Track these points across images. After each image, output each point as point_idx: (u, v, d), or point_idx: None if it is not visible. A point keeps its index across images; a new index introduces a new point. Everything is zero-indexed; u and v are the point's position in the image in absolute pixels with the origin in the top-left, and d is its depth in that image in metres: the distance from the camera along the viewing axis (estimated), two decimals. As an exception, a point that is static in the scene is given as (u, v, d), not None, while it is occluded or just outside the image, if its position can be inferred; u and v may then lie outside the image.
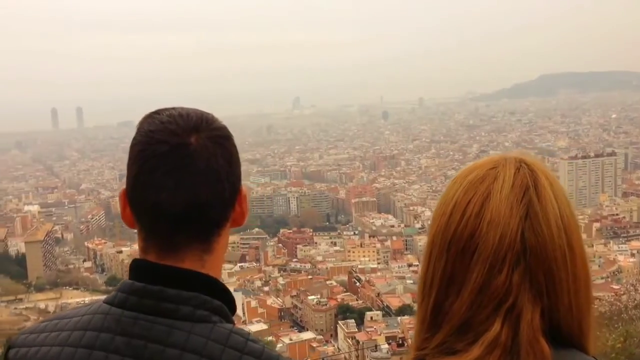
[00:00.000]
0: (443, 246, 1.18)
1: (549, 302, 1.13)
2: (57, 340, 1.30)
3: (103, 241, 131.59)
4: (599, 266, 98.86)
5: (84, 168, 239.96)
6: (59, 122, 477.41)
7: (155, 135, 1.30)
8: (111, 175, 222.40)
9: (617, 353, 12.46)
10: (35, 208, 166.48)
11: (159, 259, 1.30)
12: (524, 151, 1.26)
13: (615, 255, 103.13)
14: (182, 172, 1.27)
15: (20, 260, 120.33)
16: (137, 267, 1.32)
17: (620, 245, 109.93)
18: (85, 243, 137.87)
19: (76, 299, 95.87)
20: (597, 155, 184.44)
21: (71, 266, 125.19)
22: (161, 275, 1.28)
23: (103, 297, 1.34)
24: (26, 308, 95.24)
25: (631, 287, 17.65)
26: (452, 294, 1.16)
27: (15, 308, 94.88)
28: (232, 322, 1.32)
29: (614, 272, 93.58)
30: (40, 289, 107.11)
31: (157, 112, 1.37)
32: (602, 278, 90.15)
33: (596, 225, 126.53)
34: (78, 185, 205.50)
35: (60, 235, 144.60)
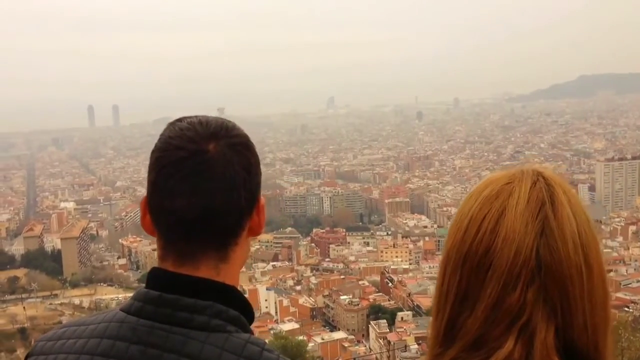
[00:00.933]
0: (458, 261, 1.18)
1: (564, 320, 1.11)
2: (74, 348, 1.32)
3: (138, 239, 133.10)
4: (634, 269, 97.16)
5: (120, 166, 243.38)
6: (95, 119, 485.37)
7: (173, 141, 1.31)
8: (147, 173, 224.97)
9: (650, 359, 12.27)
10: (71, 205, 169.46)
11: (176, 267, 1.31)
12: (542, 164, 1.27)
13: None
14: (198, 178, 1.28)
15: (56, 256, 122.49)
16: (154, 276, 1.33)
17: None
18: (120, 240, 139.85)
19: (110, 295, 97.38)
20: (634, 158, 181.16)
21: (106, 263, 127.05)
22: (178, 284, 1.29)
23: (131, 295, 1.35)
24: (61, 304, 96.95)
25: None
26: (466, 310, 1.15)
27: (51, 303, 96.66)
28: (250, 331, 1.32)
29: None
30: (75, 285, 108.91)
31: (179, 120, 1.38)
32: (637, 281, 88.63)
33: (632, 228, 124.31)
34: (113, 183, 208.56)
35: (95, 232, 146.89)
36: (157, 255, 1.36)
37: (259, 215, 1.37)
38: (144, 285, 1.35)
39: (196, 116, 1.38)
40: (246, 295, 1.40)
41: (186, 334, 1.24)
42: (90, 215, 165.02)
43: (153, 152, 1.35)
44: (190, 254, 1.30)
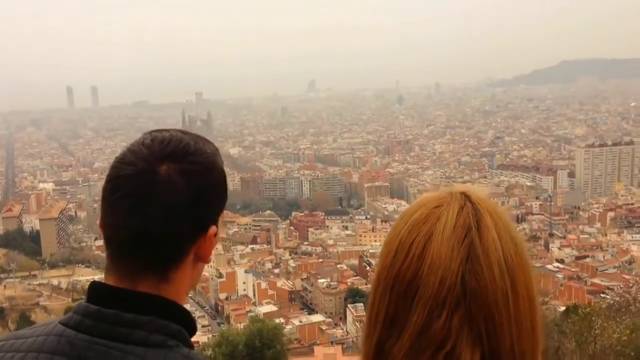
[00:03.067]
0: (387, 285, 1.16)
1: (490, 346, 1.10)
2: None
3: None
4: (611, 255, 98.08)
5: (98, 147, 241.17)
6: (74, 100, 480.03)
7: (129, 155, 1.29)
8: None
9: (622, 346, 12.11)
10: (49, 186, 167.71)
11: (117, 283, 1.28)
12: (470, 186, 1.25)
13: (629, 245, 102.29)
14: (139, 199, 1.24)
15: (35, 237, 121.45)
16: (94, 290, 1.30)
17: (634, 235, 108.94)
18: (98, 222, 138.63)
19: (88, 276, 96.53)
20: (614, 144, 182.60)
21: (84, 244, 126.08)
22: (118, 299, 1.26)
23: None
24: (40, 284, 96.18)
25: (640, 279, 17.17)
26: (394, 336, 1.14)
27: (29, 284, 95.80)
28: (191, 346, 1.30)
29: (626, 262, 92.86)
30: (53, 265, 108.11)
31: (150, 132, 1.35)
32: (614, 267, 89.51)
33: (610, 214, 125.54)
34: (92, 164, 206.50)
35: (74, 213, 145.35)
36: (105, 268, 1.34)
37: (206, 244, 1.33)
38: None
39: (168, 130, 1.35)
40: (187, 307, 1.37)
41: (124, 350, 1.21)
42: (69, 196, 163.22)
43: (114, 159, 1.33)
44: (129, 271, 1.28)
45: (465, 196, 1.20)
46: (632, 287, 16.82)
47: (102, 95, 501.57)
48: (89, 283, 1.33)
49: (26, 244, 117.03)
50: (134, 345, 1.22)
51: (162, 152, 1.27)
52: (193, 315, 1.34)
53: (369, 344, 1.19)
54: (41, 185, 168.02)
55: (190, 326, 1.32)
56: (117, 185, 1.27)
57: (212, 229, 1.32)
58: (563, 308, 22.51)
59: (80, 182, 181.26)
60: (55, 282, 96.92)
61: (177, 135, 1.33)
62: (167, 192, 1.24)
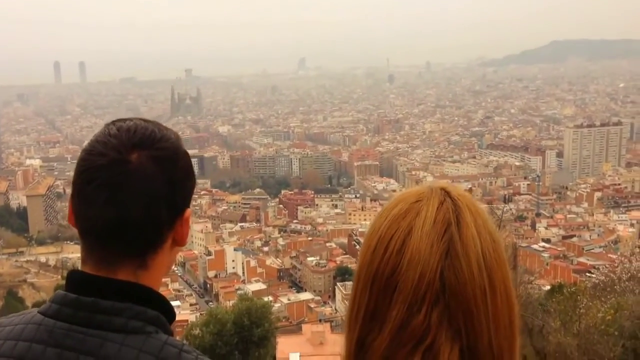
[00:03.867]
0: (367, 281, 1.17)
1: (468, 341, 1.12)
2: None
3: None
4: (598, 235, 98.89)
5: (87, 124, 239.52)
6: (61, 76, 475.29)
7: (97, 147, 1.30)
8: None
9: (607, 325, 12.23)
10: (37, 162, 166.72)
11: (95, 271, 1.30)
12: (449, 183, 1.25)
13: (615, 225, 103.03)
14: (114, 189, 1.26)
15: (22, 213, 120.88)
16: (72, 278, 1.32)
17: (620, 215, 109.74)
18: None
19: (77, 254, 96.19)
20: (602, 125, 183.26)
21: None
22: (95, 287, 1.27)
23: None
24: (27, 261, 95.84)
25: (626, 260, 17.33)
26: (374, 330, 1.15)
27: (17, 261, 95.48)
28: (170, 332, 1.32)
29: (612, 242, 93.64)
30: (41, 242, 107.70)
31: (113, 122, 1.36)
32: (600, 247, 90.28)
33: (598, 194, 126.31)
34: (80, 141, 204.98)
35: (61, 191, 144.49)
36: (80, 257, 1.36)
37: (182, 227, 1.36)
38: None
39: (131, 120, 1.36)
40: (166, 296, 1.38)
41: (103, 337, 1.23)
42: (56, 173, 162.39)
43: (81, 151, 1.34)
44: (107, 260, 1.30)
45: (445, 192, 1.20)
46: (617, 266, 16.95)
47: (90, 71, 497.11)
48: (67, 273, 1.34)
49: (13, 220, 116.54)
50: (112, 332, 1.24)
51: (131, 141, 1.29)
52: (170, 301, 1.36)
53: (350, 339, 1.21)
54: (28, 162, 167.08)
55: (168, 312, 1.34)
56: (89, 176, 1.28)
57: (188, 211, 1.35)
58: (548, 287, 22.69)
59: (68, 159, 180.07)
60: (43, 259, 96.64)
61: (141, 123, 1.35)
62: (141, 179, 1.26)
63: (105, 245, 1.29)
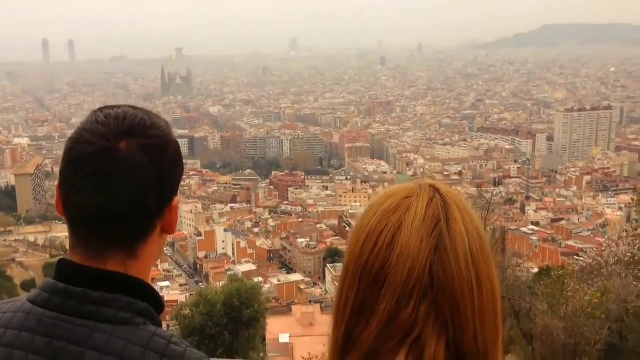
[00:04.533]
0: (355, 274, 1.18)
1: (455, 334, 1.14)
2: None
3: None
4: (586, 218, 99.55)
5: (75, 102, 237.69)
6: (50, 54, 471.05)
7: (85, 135, 1.28)
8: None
9: (593, 308, 12.35)
10: (25, 141, 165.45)
11: (83, 261, 1.30)
12: (437, 180, 1.27)
13: (603, 209, 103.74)
14: (103, 177, 1.25)
15: (10, 192, 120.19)
16: (62, 267, 1.31)
17: (608, 199, 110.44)
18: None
19: (65, 233, 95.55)
20: (593, 109, 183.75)
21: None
22: (85, 277, 1.27)
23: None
24: (16, 240, 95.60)
25: (613, 244, 17.45)
26: (362, 323, 1.17)
27: (5, 240, 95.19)
28: (159, 323, 1.32)
29: (600, 225, 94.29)
30: (30, 221, 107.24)
31: (101, 110, 1.34)
32: (588, 230, 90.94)
33: (587, 178, 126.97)
34: (69, 120, 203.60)
35: (50, 170, 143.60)
36: (69, 246, 1.35)
37: (171, 216, 1.35)
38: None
39: (119, 107, 1.34)
40: (155, 287, 1.38)
41: (92, 327, 1.23)
42: (45, 152, 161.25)
43: (68, 140, 1.32)
44: (96, 249, 1.29)
45: (434, 188, 1.22)
46: (604, 250, 17.07)
47: (79, 49, 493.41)
48: (57, 261, 1.32)
49: (1, 199, 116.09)
50: (101, 322, 1.23)
51: (120, 129, 1.27)
52: (159, 292, 1.36)
53: (337, 331, 1.22)
54: (16, 140, 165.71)
55: (157, 303, 1.33)
56: (78, 165, 1.27)
57: (176, 199, 1.34)
58: (537, 270, 22.87)
59: (56, 137, 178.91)
60: (31, 238, 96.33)
61: (129, 111, 1.33)
62: (130, 168, 1.25)
63: (94, 234, 1.28)
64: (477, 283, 1.15)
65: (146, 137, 1.28)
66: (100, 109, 1.34)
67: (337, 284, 1.27)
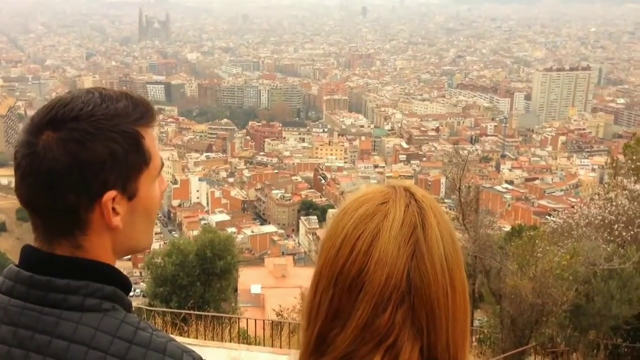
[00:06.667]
0: (330, 279, 1.18)
1: (428, 339, 1.15)
2: None
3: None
4: (560, 179, 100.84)
5: (50, 43, 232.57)
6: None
7: (26, 124, 1.27)
8: (78, 53, 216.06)
9: (562, 269, 12.49)
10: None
11: (39, 247, 1.28)
12: (411, 183, 1.28)
13: (577, 169, 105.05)
14: (24, 171, 1.23)
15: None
16: (26, 254, 1.29)
17: (582, 160, 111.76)
18: None
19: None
20: (571, 69, 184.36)
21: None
22: (49, 264, 1.25)
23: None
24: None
25: (584, 206, 17.62)
26: (337, 327, 1.17)
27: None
28: (128, 304, 1.30)
29: (574, 186, 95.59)
30: (2, 164, 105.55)
31: (58, 97, 1.29)
32: (561, 190, 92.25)
33: (562, 138, 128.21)
34: (43, 61, 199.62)
35: (23, 112, 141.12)
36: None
37: (103, 213, 1.27)
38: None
39: (85, 92, 1.29)
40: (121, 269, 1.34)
41: (59, 315, 1.21)
42: (17, 93, 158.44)
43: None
44: (46, 237, 1.27)
45: (410, 193, 1.22)
46: (575, 212, 17.25)
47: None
48: (22, 247, 1.31)
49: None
50: (68, 310, 1.22)
51: (42, 121, 1.23)
52: (125, 273, 1.33)
53: (310, 334, 1.23)
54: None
55: (123, 285, 1.31)
56: (14, 156, 1.26)
57: (108, 194, 1.25)
58: (509, 228, 23.15)
59: (30, 79, 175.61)
60: (4, 181, 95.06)
61: (67, 98, 1.26)
62: (43, 163, 1.21)
63: (39, 223, 1.27)
64: (451, 288, 1.17)
65: (67, 129, 1.22)
66: (60, 96, 1.29)
67: (308, 287, 1.26)
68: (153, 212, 1.37)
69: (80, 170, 1.22)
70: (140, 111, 1.29)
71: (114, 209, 1.27)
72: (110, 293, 1.26)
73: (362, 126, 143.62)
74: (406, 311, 1.13)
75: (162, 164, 1.37)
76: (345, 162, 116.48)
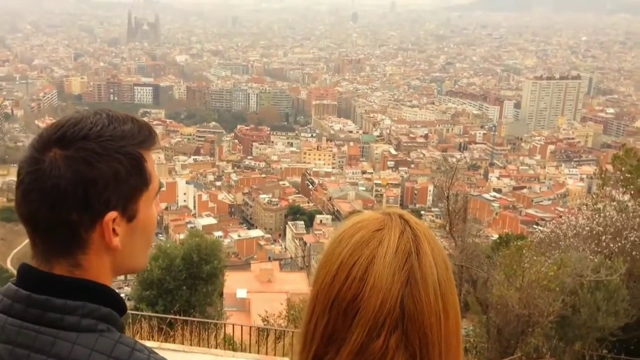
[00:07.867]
0: (326, 304, 1.21)
1: None
2: None
3: (54, 121, 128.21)
4: (548, 188, 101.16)
5: (38, 43, 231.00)
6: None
7: (33, 140, 1.28)
8: (66, 53, 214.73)
9: (549, 280, 12.46)
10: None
11: (37, 265, 1.28)
12: (403, 211, 1.29)
13: (565, 179, 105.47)
14: (28, 187, 1.24)
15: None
16: (24, 272, 1.29)
17: (571, 169, 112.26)
18: (36, 121, 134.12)
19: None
20: (562, 78, 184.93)
21: (20, 144, 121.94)
22: (47, 284, 1.25)
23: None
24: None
25: (572, 216, 17.61)
26: (332, 351, 1.19)
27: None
28: (122, 327, 1.31)
29: (561, 195, 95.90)
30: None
31: (71, 116, 1.31)
32: (549, 199, 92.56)
33: (551, 147, 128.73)
34: (31, 61, 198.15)
35: (10, 111, 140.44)
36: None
37: (103, 232, 1.28)
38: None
39: (92, 113, 1.31)
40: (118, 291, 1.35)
41: (55, 335, 1.22)
42: (5, 92, 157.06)
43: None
44: (43, 255, 1.28)
45: (404, 220, 1.24)
46: (563, 223, 17.24)
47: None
48: (19, 265, 1.31)
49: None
50: (64, 330, 1.22)
51: (50, 139, 1.25)
52: (121, 295, 1.34)
53: (305, 357, 1.24)
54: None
55: (119, 307, 1.32)
56: (17, 172, 1.27)
57: (109, 214, 1.27)
58: (496, 236, 23.12)
59: (17, 78, 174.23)
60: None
61: (76, 118, 1.29)
62: (48, 179, 1.22)
63: (38, 241, 1.28)
64: (444, 314, 1.19)
65: (75, 148, 1.24)
66: (73, 114, 1.32)
67: (304, 312, 1.28)
68: (150, 234, 1.38)
69: (84, 189, 1.23)
70: (144, 134, 1.31)
71: (113, 229, 1.27)
72: (106, 314, 1.27)
73: (351, 132, 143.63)
74: (399, 336, 1.16)
75: (160, 187, 1.40)
76: (333, 168, 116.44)
